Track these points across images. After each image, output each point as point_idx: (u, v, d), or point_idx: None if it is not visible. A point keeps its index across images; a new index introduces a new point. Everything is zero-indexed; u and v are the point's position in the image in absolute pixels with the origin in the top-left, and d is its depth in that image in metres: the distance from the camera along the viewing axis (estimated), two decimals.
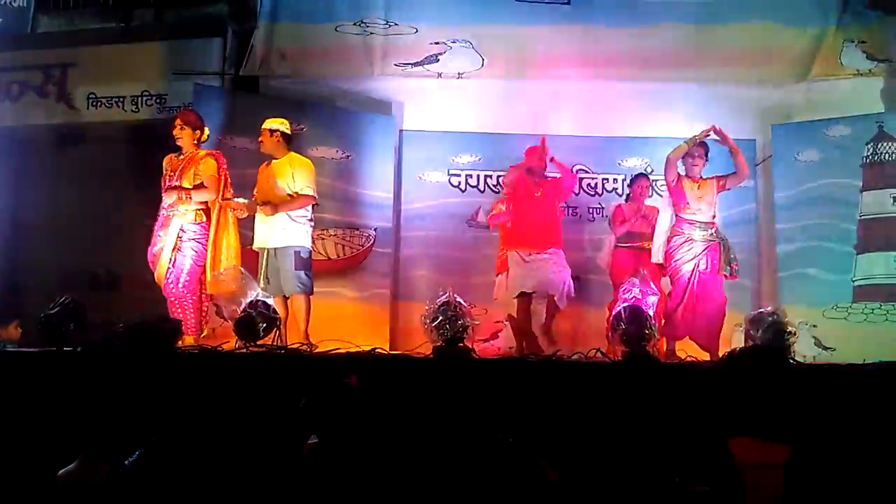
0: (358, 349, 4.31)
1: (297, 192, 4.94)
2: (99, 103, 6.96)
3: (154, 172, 5.08)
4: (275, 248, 4.93)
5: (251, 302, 4.37)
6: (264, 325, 4.32)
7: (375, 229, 6.47)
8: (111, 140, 6.77)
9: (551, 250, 5.30)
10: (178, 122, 4.94)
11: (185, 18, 7.18)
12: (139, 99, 6.90)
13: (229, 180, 5.01)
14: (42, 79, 7.03)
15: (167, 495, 1.55)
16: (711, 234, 5.24)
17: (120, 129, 6.82)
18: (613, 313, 4.44)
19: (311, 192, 4.99)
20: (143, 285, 5.13)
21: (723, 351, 4.80)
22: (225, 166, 5.00)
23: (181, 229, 4.80)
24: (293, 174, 4.95)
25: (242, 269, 4.70)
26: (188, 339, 4.62)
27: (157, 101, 6.87)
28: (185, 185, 4.83)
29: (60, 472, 1.55)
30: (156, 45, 6.97)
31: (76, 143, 6.87)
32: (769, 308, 4.72)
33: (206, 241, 4.86)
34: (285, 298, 4.95)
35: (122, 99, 6.92)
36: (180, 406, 3.36)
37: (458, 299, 4.31)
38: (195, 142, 4.96)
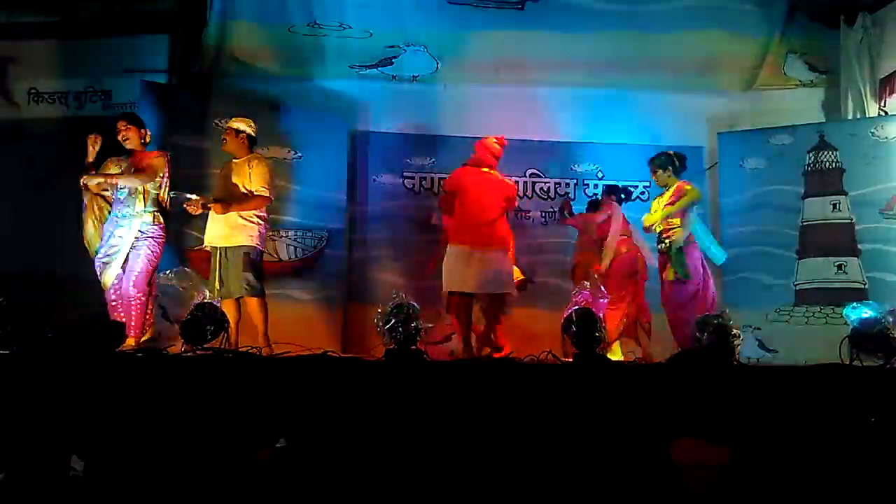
0: (309, 352, 4.25)
1: (252, 192, 4.86)
2: (41, 99, 6.75)
3: (98, 171, 4.93)
4: (225, 248, 4.84)
5: (198, 304, 4.27)
6: (211, 327, 4.23)
7: (328, 231, 6.41)
8: (53, 137, 6.54)
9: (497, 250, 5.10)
10: (122, 123, 4.84)
11: (132, 14, 6.99)
12: (83, 95, 6.71)
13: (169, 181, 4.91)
14: None
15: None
16: None
17: (63, 126, 6.59)
18: (565, 315, 4.48)
19: (266, 193, 4.89)
20: (85, 286, 4.99)
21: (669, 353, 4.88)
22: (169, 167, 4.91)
23: (139, 230, 4.72)
24: (251, 174, 4.88)
25: (189, 269, 4.60)
26: (129, 342, 4.49)
27: (102, 97, 6.69)
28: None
29: None
30: (101, 40, 6.79)
31: (16, 139, 6.61)
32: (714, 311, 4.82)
33: (163, 242, 4.81)
34: (238, 301, 4.84)
35: (65, 95, 6.72)
36: (123, 411, 3.27)
37: (411, 302, 4.29)
38: (142, 141, 4.87)
